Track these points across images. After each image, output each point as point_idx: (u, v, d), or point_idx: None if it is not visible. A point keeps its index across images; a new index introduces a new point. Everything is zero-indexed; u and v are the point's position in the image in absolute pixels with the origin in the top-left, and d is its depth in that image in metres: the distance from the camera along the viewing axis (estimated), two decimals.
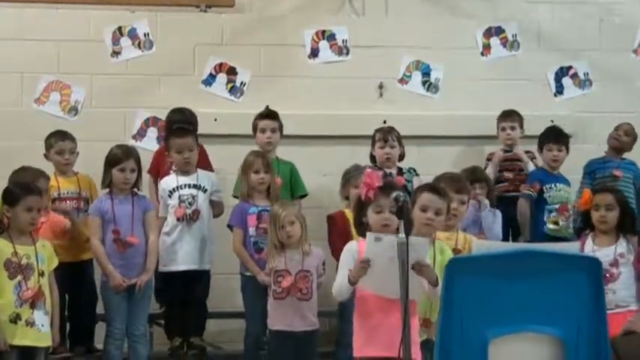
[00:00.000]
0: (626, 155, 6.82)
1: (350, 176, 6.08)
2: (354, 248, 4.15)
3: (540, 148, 6.61)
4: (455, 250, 4.78)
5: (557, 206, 6.40)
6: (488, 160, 6.75)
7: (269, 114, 6.37)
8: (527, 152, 6.75)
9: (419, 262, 3.94)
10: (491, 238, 5.77)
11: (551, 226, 6.38)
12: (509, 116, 6.79)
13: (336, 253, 5.80)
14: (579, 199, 5.98)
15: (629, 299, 5.47)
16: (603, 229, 5.60)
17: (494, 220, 6.04)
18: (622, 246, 5.57)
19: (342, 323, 5.77)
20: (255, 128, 6.35)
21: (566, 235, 6.29)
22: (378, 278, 3.97)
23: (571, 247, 4.32)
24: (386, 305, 4.02)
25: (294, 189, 6.34)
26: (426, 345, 4.29)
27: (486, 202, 6.00)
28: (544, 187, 6.45)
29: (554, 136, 6.57)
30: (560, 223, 6.36)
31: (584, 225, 5.77)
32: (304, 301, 5.41)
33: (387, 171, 5.97)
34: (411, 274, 3.80)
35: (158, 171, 6.30)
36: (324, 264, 5.60)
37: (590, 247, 5.53)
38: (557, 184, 6.46)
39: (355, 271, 4.01)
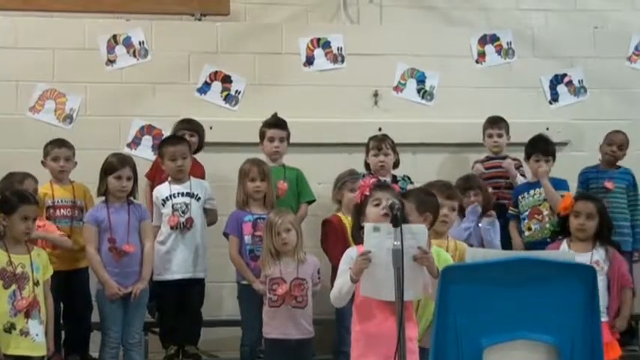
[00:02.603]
0: (621, 163, 6.73)
1: (344, 181, 6.10)
2: (353, 254, 4.13)
3: (527, 158, 6.51)
4: None
5: (528, 212, 6.36)
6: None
7: (278, 123, 6.35)
8: (513, 159, 6.69)
9: (422, 249, 3.93)
10: None
11: (526, 233, 6.35)
12: (496, 123, 6.76)
13: (334, 258, 5.80)
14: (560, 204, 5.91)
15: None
16: (581, 237, 5.51)
17: (494, 232, 6.03)
18: (598, 254, 5.45)
19: (340, 331, 5.75)
20: (262, 136, 6.33)
21: (542, 237, 6.21)
22: (378, 280, 3.94)
23: (566, 255, 4.32)
24: (385, 310, 4.02)
25: (300, 195, 6.32)
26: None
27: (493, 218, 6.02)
28: (518, 198, 6.43)
29: (542, 148, 6.44)
30: (533, 227, 6.31)
31: (561, 230, 5.70)
32: (299, 309, 5.39)
33: (382, 179, 5.97)
34: (412, 268, 3.82)
35: (154, 178, 6.30)
36: (319, 272, 5.59)
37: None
38: (531, 191, 6.38)
39: (357, 264, 3.99)
